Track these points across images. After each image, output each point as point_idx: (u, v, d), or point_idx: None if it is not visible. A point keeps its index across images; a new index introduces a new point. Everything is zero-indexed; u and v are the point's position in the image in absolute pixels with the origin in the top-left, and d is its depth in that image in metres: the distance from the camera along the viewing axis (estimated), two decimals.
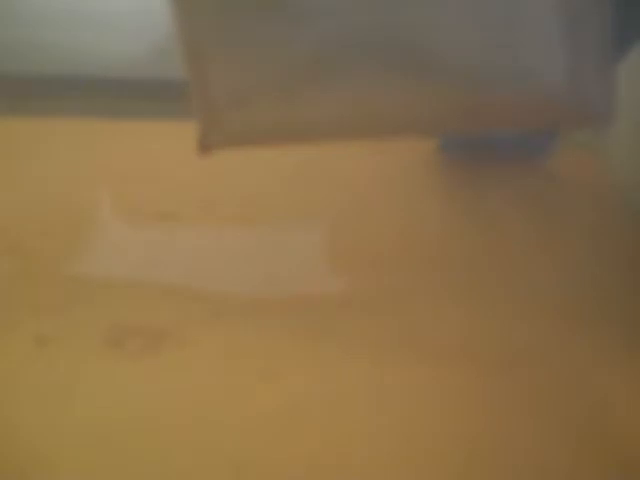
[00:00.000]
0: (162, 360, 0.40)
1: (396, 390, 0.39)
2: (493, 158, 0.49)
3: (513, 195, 0.47)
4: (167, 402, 0.39)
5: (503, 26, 0.38)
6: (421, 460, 0.37)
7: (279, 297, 0.42)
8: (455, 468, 0.37)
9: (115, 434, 0.37)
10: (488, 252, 0.46)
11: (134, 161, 0.49)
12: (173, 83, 0.47)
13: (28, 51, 0.46)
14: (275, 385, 0.39)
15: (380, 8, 0.37)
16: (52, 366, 0.40)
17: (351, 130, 0.41)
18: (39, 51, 0.46)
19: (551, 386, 0.39)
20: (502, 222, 0.47)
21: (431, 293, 0.45)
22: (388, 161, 0.49)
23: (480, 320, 0.43)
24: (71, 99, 0.47)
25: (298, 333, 0.42)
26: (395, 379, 0.40)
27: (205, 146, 0.40)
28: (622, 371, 0.40)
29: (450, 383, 0.40)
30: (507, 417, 0.38)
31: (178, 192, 0.48)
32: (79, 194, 0.48)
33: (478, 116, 0.40)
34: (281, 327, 0.41)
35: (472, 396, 0.39)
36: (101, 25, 0.48)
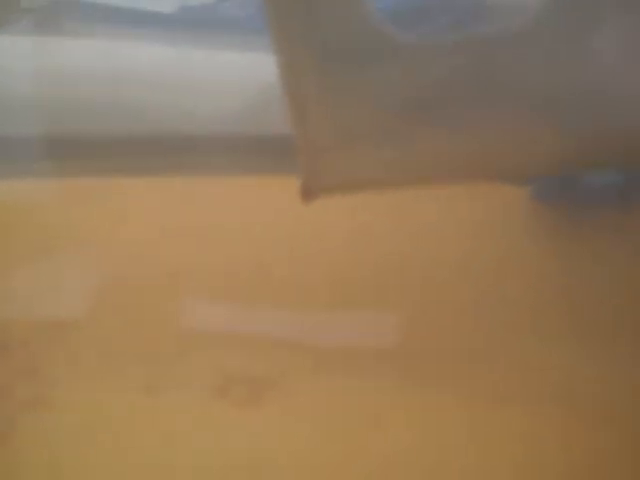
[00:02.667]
0: (266, 409, 0.40)
1: (508, 438, 0.38)
2: (590, 203, 0.48)
3: (615, 240, 0.46)
4: (270, 451, 0.38)
5: (614, 56, 0.38)
6: None
7: (381, 347, 0.42)
8: None
9: None
10: (592, 298, 0.44)
11: (227, 215, 0.49)
12: (264, 138, 0.47)
13: (122, 111, 0.47)
14: (382, 436, 0.39)
15: (490, 50, 0.37)
16: (161, 414, 0.41)
17: (454, 172, 0.40)
18: (131, 111, 0.47)
19: None
20: (605, 267, 0.45)
21: (535, 338, 0.43)
22: (477, 207, 0.49)
23: (583, 366, 0.42)
24: (163, 157, 0.48)
25: (402, 383, 0.41)
26: (504, 426, 0.39)
27: (308, 192, 0.39)
28: None
29: (554, 431, 0.39)
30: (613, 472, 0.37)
31: (275, 244, 0.48)
32: (176, 248, 0.48)
33: (590, 155, 0.40)
34: (384, 377, 0.41)
35: (577, 447, 0.38)
36: (193, 86, 0.49)
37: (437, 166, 0.39)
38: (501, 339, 0.43)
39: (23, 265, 0.47)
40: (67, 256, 0.48)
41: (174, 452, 0.38)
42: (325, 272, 0.47)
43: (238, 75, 0.50)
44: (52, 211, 0.50)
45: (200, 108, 0.50)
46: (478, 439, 0.40)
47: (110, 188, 0.52)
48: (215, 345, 0.42)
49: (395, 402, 0.40)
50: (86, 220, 0.50)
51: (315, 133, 0.38)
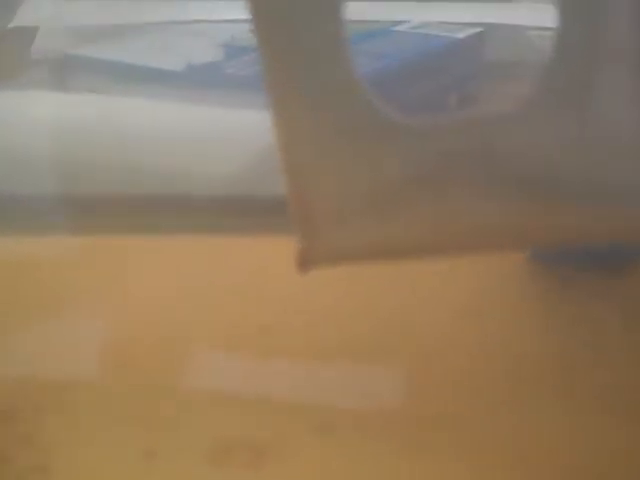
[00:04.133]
0: (267, 474, 0.40)
1: None
2: (587, 266, 0.47)
3: (610, 304, 0.46)
4: None
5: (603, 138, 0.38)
6: None
7: (381, 409, 0.42)
8: None
9: None
10: (588, 362, 0.44)
11: (232, 276, 0.49)
12: (265, 200, 0.48)
13: (125, 172, 0.48)
14: None
15: (482, 133, 0.37)
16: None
17: (449, 246, 0.40)
18: (132, 172, 0.48)
19: None
20: (600, 330, 0.45)
21: (529, 408, 0.43)
22: (475, 271, 0.49)
23: (579, 432, 0.42)
24: (166, 217, 0.49)
25: (403, 445, 0.41)
26: None
27: (305, 262, 0.40)
28: None
29: None
30: None
31: (277, 307, 0.48)
32: (180, 309, 0.49)
33: (576, 232, 0.40)
34: (384, 439, 0.41)
35: None
36: (199, 144, 0.49)
37: (432, 240, 0.39)
38: (499, 403, 0.43)
39: (26, 324, 0.48)
40: (70, 317, 0.48)
41: None
42: (326, 337, 0.47)
43: (245, 133, 0.51)
44: (54, 270, 0.50)
45: (206, 167, 0.51)
46: None
47: (114, 247, 0.52)
48: (215, 408, 0.42)
49: (396, 465, 0.40)
50: (89, 280, 0.50)
51: (312, 206, 0.38)
